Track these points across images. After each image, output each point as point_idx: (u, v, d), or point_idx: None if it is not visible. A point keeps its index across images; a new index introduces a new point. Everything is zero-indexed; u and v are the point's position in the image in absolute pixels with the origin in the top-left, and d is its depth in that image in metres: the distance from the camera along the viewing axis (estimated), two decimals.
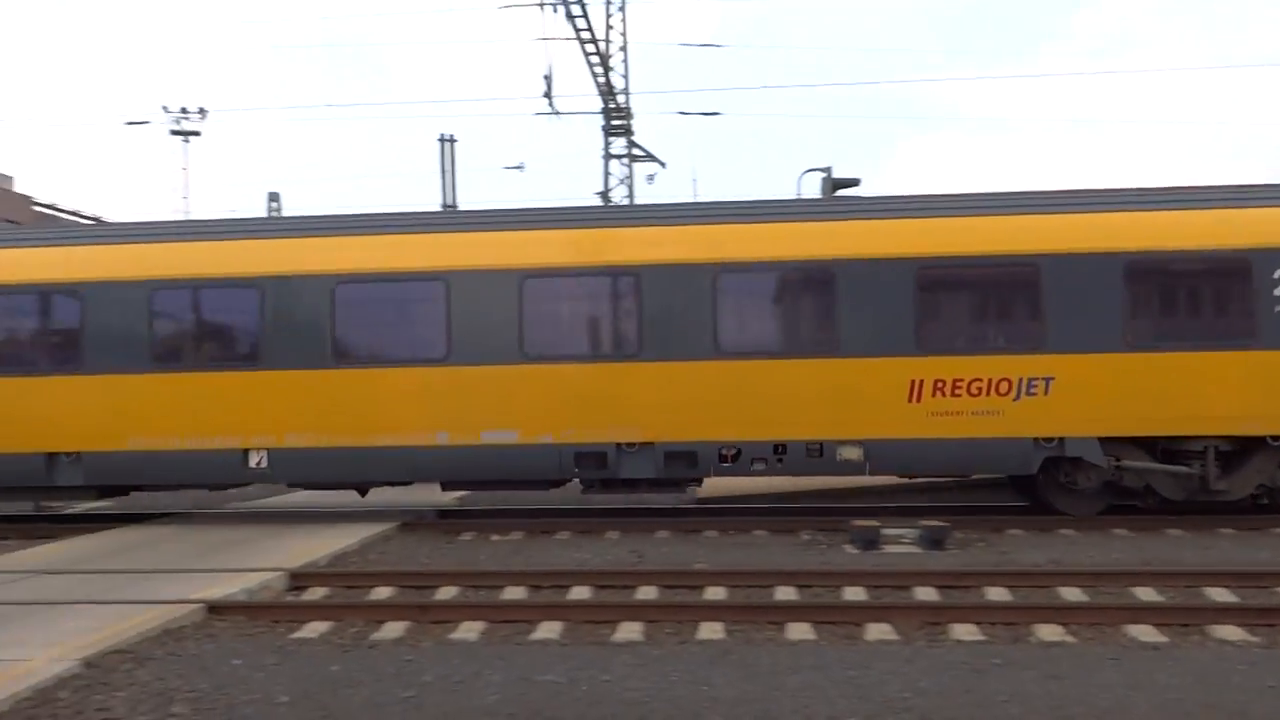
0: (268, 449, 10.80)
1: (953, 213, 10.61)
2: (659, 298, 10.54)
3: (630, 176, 23.97)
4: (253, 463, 10.84)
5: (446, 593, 7.85)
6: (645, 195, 40.15)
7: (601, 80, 22.76)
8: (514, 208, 11.43)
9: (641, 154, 24.30)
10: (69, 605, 7.02)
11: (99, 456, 11.04)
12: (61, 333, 11.29)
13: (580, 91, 42.30)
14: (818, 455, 10.43)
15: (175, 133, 33.78)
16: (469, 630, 6.58)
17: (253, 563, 8.75)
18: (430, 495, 13.84)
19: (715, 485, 13.92)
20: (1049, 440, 10.34)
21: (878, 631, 6.40)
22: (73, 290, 11.21)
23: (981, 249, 10.39)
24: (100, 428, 10.99)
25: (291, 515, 12.46)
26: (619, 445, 10.64)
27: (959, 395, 10.19)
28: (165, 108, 45.14)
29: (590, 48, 22.14)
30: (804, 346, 10.51)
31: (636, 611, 6.87)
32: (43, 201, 53.87)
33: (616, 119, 23.45)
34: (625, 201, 23.04)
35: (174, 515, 12.69)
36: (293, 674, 5.59)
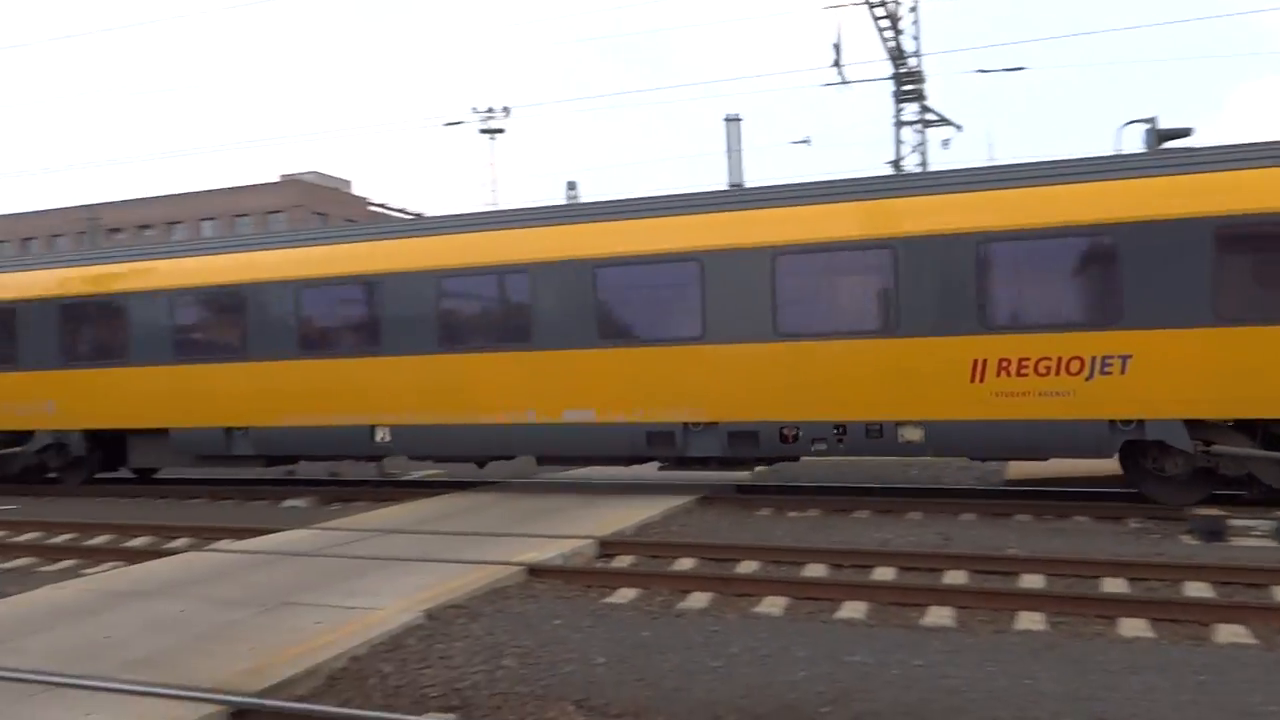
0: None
1: (1017, 183, 9.95)
2: (719, 284, 10.79)
3: (924, 143, 22.97)
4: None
5: (747, 566, 7.93)
6: (940, 161, 38.26)
7: (891, 44, 21.93)
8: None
9: (935, 118, 23.21)
10: (411, 562, 7.80)
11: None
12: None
13: (869, 58, 41.01)
14: (878, 436, 10.28)
15: (484, 131, 36.45)
16: (772, 605, 6.60)
17: (566, 530, 9.30)
18: (726, 474, 13.98)
19: (1026, 468, 13.08)
20: (1127, 423, 9.49)
21: (1229, 634, 5.71)
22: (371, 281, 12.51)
23: (1048, 220, 9.66)
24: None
25: (597, 487, 13.13)
26: (686, 425, 11.06)
27: (1025, 375, 9.66)
28: (474, 108, 48.66)
29: (879, 10, 21.39)
30: (862, 326, 10.34)
31: (946, 596, 6.58)
32: (376, 202, 59.91)
33: (907, 83, 22.52)
34: (919, 169, 22.11)
35: (495, 484, 13.78)
36: (607, 637, 5.87)
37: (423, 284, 12.16)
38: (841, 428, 10.39)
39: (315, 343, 12.75)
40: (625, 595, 7.00)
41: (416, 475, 15.55)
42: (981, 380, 9.77)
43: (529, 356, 11.57)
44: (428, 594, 6.66)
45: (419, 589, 6.82)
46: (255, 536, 9.75)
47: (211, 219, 54.33)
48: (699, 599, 6.85)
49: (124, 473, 16.45)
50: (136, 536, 11.11)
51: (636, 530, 9.66)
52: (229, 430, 13.45)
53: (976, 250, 9.82)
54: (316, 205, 54.41)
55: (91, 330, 14.28)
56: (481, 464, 13.32)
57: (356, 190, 60.96)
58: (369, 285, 12.45)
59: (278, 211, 53.43)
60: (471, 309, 12.06)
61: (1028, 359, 9.61)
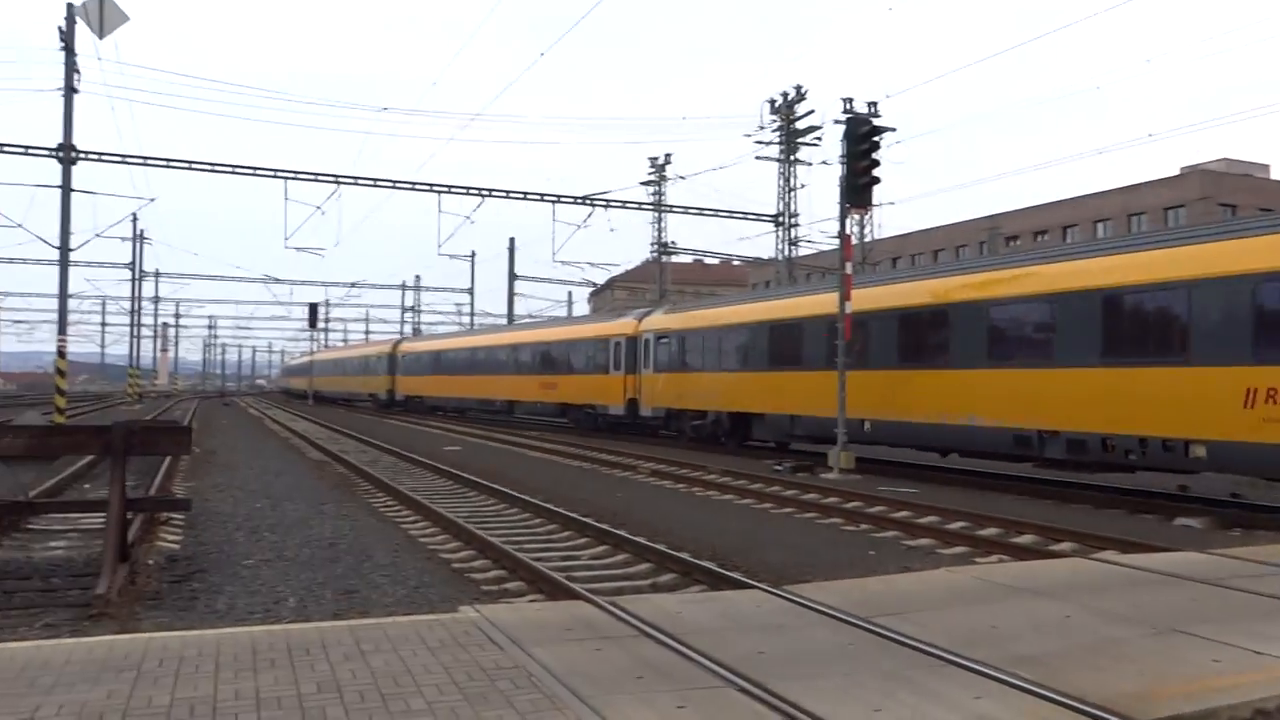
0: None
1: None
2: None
3: None
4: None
5: None
6: None
7: None
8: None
9: None
10: None
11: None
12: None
13: None
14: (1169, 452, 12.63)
15: None
16: None
17: None
18: None
19: None
20: None
21: None
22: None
23: None
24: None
25: None
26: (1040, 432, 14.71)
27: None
28: None
29: None
30: (1157, 355, 12.88)
31: None
32: None
33: None
34: None
35: None
36: None
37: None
38: (1144, 442, 12.84)
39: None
40: None
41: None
42: (1252, 406, 11.26)
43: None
44: None
45: None
46: (1143, 552, 9.21)
47: (1106, 220, 53.53)
48: None
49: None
50: (1023, 534, 11.45)
51: None
52: (793, 417, 21.15)
53: (1252, 291, 11.66)
54: (1223, 196, 49.57)
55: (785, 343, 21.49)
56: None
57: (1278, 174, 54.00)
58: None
59: (1178, 207, 50.15)
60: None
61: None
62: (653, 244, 44.99)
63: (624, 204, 38.46)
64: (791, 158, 37.89)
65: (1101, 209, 54.15)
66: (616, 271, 63.33)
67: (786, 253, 38.42)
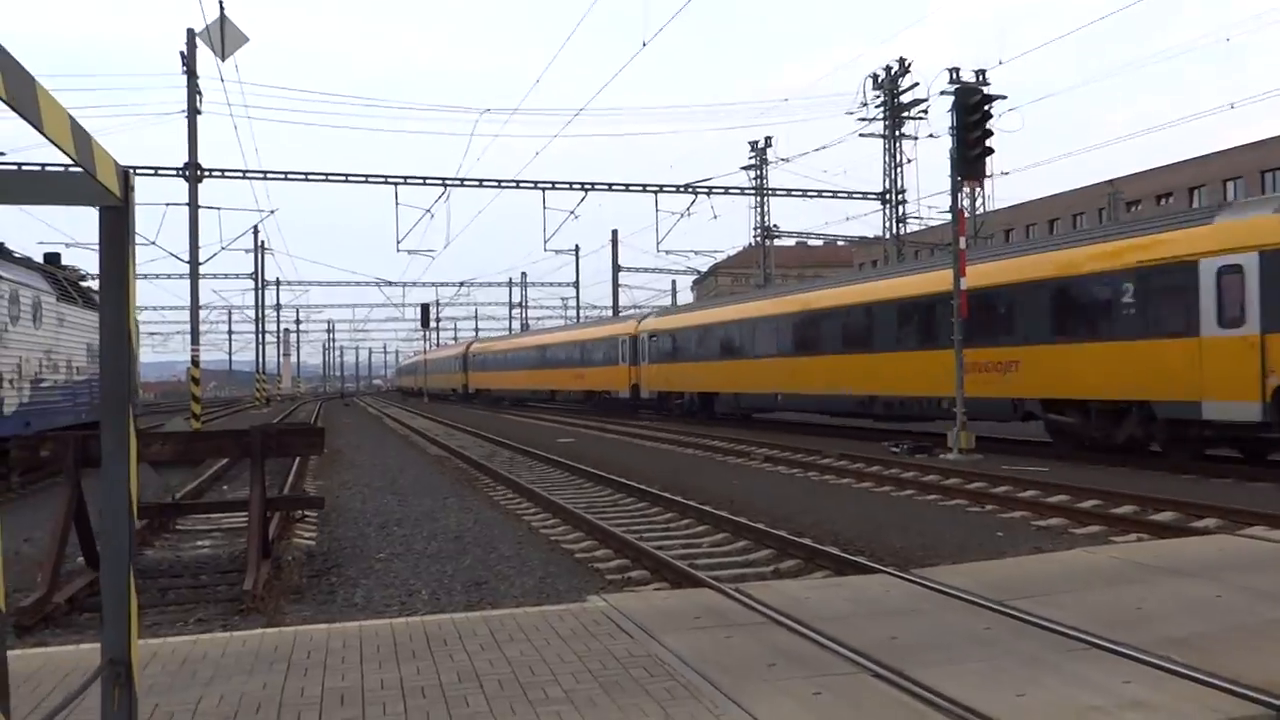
0: None
1: None
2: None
3: None
4: None
5: None
6: None
7: None
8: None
9: None
10: None
11: None
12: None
13: None
14: None
15: None
16: None
17: None
18: None
19: None
20: None
21: None
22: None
23: None
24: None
25: None
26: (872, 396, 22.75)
27: None
28: None
29: None
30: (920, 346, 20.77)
31: None
32: None
33: None
34: None
35: None
36: None
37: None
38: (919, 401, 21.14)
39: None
40: None
41: None
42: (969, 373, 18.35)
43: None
44: None
45: None
46: None
47: (1237, 179, 50.66)
48: None
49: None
50: (1161, 511, 10.98)
51: None
52: (737, 395, 29.10)
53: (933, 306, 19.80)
54: None
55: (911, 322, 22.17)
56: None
57: None
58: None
59: None
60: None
61: None
62: (755, 228, 44.67)
63: (726, 190, 38.34)
64: (896, 133, 37.04)
65: (1232, 167, 51.25)
66: (720, 258, 62.99)
67: (894, 230, 37.63)
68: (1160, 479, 13.97)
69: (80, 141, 2.08)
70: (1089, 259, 16.58)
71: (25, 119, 1.81)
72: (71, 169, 2.31)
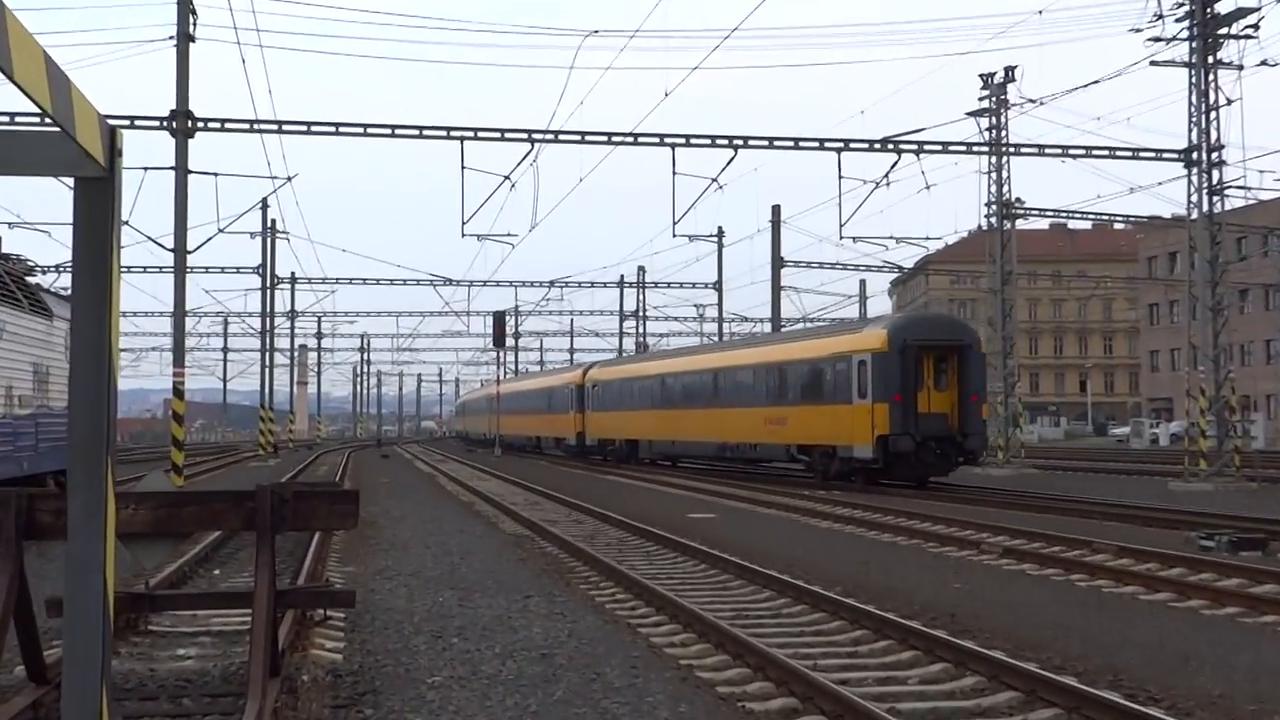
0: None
1: None
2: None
3: None
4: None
5: None
6: None
7: None
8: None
9: None
10: None
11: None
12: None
13: None
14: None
15: None
16: None
17: None
18: None
19: None
20: None
21: None
22: None
23: None
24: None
25: None
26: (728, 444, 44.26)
27: None
28: None
29: None
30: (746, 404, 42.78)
31: None
32: None
33: None
34: None
35: None
36: None
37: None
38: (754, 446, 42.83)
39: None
40: None
41: None
42: (768, 425, 40.79)
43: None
44: None
45: None
46: None
47: None
48: None
49: None
50: None
51: None
52: (650, 441, 51.82)
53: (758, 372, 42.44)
54: None
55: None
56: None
57: None
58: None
59: None
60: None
61: None
62: (988, 204, 44.05)
63: (944, 146, 37.95)
64: (1210, 60, 35.89)
65: None
66: (933, 248, 62.51)
67: (1206, 205, 36.37)
68: None
69: (58, 89, 2.09)
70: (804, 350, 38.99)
71: None
72: (41, 128, 2.40)
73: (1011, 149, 42.12)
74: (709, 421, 44.15)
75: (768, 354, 41.50)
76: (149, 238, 34.35)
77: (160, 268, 62.42)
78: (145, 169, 32.68)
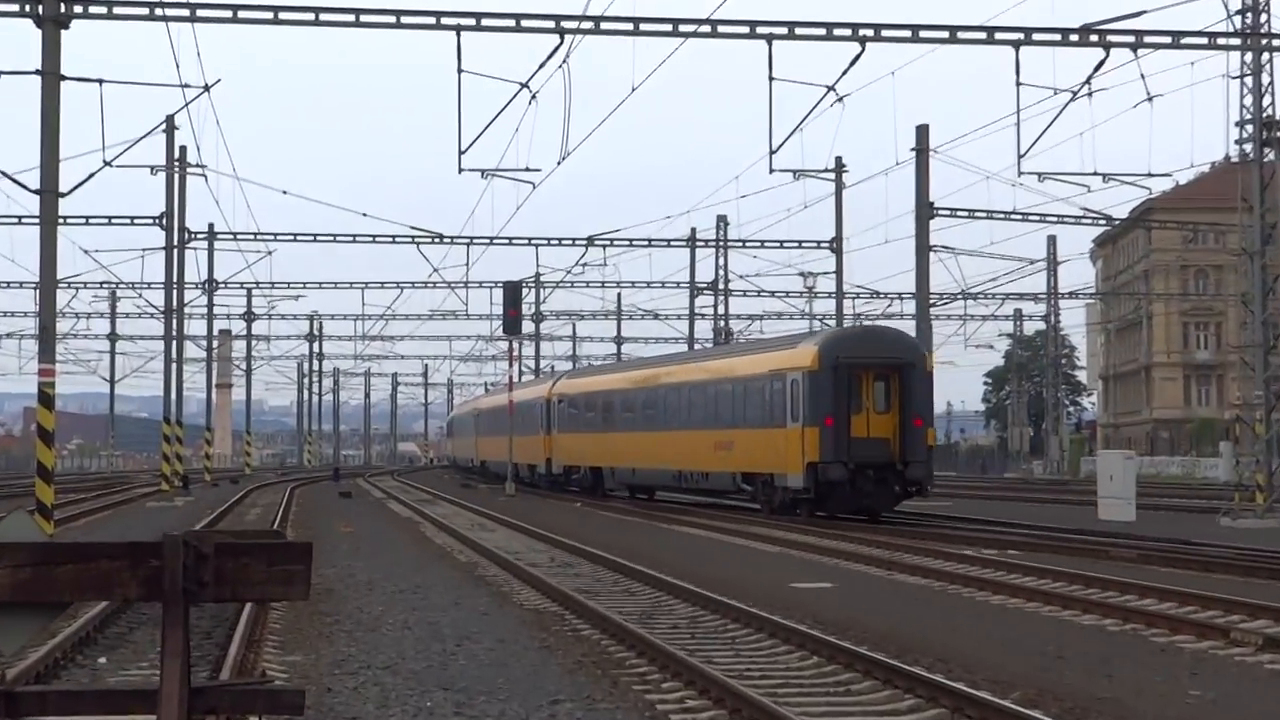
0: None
1: None
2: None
3: None
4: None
5: None
6: None
7: None
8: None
9: None
10: None
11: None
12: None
13: None
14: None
15: None
16: None
17: None
18: None
19: None
20: None
21: None
22: None
23: None
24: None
25: None
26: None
27: None
28: None
29: None
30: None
31: None
32: None
33: None
34: None
35: None
36: None
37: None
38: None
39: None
40: None
41: None
42: (714, 450, 52.54)
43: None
44: None
45: None
46: None
47: None
48: None
49: None
50: None
51: None
52: (614, 469, 64.23)
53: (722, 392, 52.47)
54: None
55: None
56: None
57: None
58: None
59: None
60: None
61: None
62: (1239, 124, 43.70)
63: (1174, 40, 37.42)
64: None
65: None
66: (1160, 189, 62.17)
67: None
68: None
69: None
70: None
71: None
72: None
73: (1278, 41, 41.68)
74: (663, 446, 54.48)
75: (714, 369, 52.56)
76: (2, 173, 34.59)
77: (19, 218, 62.77)
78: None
